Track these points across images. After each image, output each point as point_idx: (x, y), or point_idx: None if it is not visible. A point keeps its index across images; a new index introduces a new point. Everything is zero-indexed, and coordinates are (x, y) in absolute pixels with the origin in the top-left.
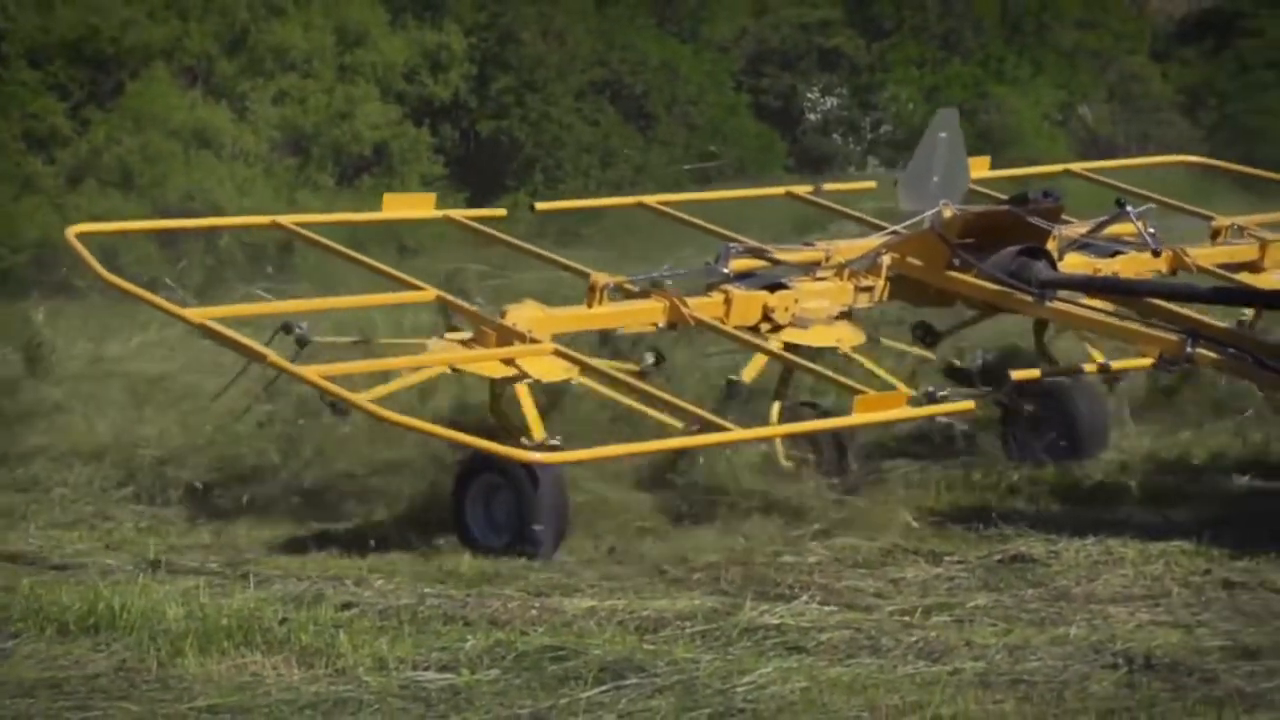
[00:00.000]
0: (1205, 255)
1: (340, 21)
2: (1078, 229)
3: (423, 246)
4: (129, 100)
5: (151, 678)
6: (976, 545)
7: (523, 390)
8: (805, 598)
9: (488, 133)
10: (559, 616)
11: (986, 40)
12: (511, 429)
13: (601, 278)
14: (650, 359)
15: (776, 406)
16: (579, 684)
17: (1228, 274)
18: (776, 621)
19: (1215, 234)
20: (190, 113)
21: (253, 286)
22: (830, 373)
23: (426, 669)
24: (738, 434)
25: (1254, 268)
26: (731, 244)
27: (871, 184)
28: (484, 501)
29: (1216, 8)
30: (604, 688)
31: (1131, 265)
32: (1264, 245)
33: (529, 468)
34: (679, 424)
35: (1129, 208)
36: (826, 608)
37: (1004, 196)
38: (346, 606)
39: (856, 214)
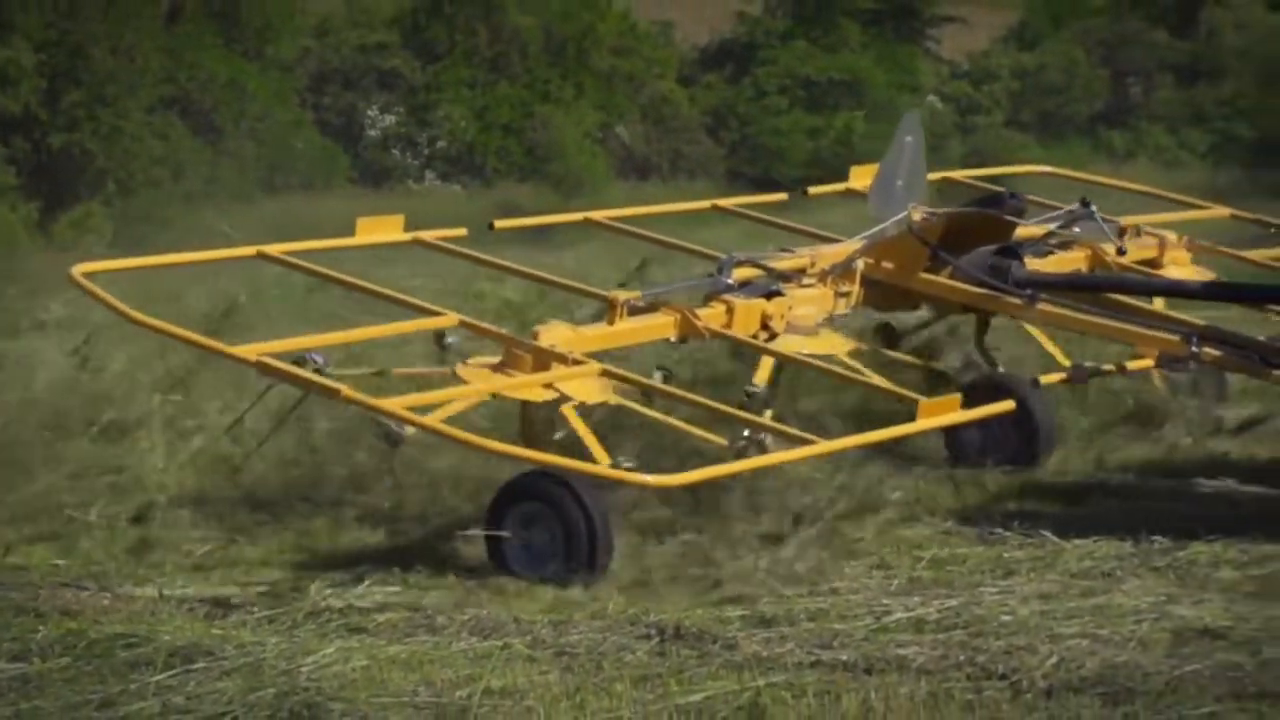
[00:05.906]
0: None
1: None
2: (1036, 229)
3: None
4: None
5: None
6: None
7: (569, 411)
8: (369, 581)
9: (60, 145)
10: (131, 605)
11: (532, 64)
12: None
13: (621, 295)
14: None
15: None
16: (149, 669)
17: (1142, 269)
18: (340, 604)
19: (1121, 233)
20: None
21: None
22: (879, 380)
23: None
24: (822, 446)
25: (1153, 265)
26: (733, 254)
27: (782, 196)
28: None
29: (736, 38)
30: (173, 672)
31: (1063, 264)
32: (1162, 244)
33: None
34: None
35: (1093, 207)
36: (388, 588)
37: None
38: None
39: (790, 224)
